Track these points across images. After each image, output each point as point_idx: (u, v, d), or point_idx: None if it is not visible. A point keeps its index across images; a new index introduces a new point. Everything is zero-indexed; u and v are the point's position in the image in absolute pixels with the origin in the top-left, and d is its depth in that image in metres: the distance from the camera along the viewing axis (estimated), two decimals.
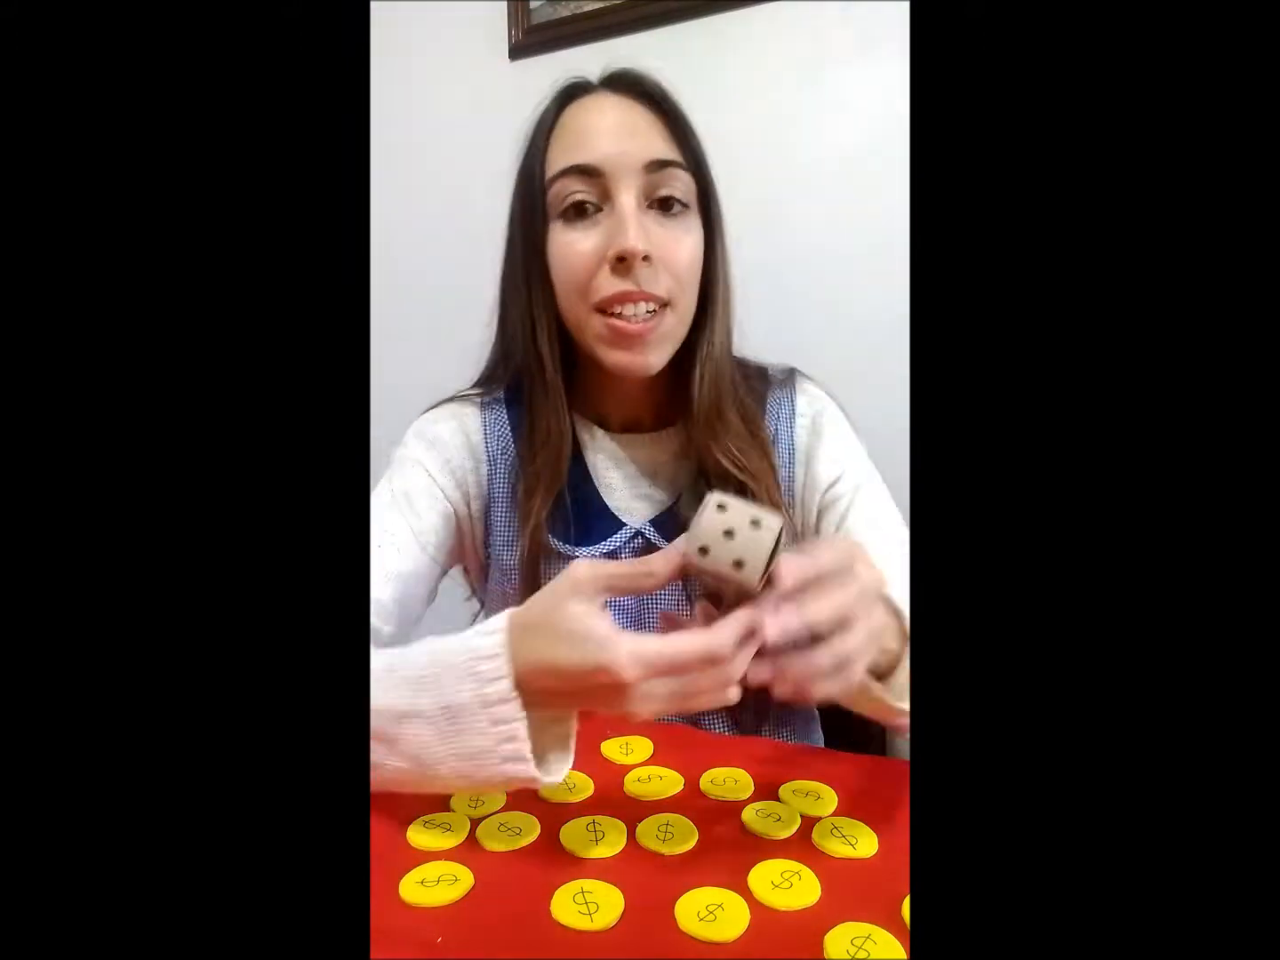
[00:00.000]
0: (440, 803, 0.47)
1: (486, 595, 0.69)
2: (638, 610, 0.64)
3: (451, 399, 0.69)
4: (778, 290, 1.11)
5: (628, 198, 0.57)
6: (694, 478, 0.63)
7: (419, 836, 0.43)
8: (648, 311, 0.58)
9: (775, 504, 0.60)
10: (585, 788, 0.49)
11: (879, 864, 0.41)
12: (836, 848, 0.42)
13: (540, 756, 0.40)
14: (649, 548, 0.62)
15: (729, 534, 0.36)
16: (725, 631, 0.36)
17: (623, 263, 0.56)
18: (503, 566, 0.65)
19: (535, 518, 0.60)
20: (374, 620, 0.56)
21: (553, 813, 0.45)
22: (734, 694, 0.38)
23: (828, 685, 0.37)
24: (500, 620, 0.40)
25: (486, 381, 0.69)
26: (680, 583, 0.62)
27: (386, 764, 0.42)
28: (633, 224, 0.56)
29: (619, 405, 0.66)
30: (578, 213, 0.59)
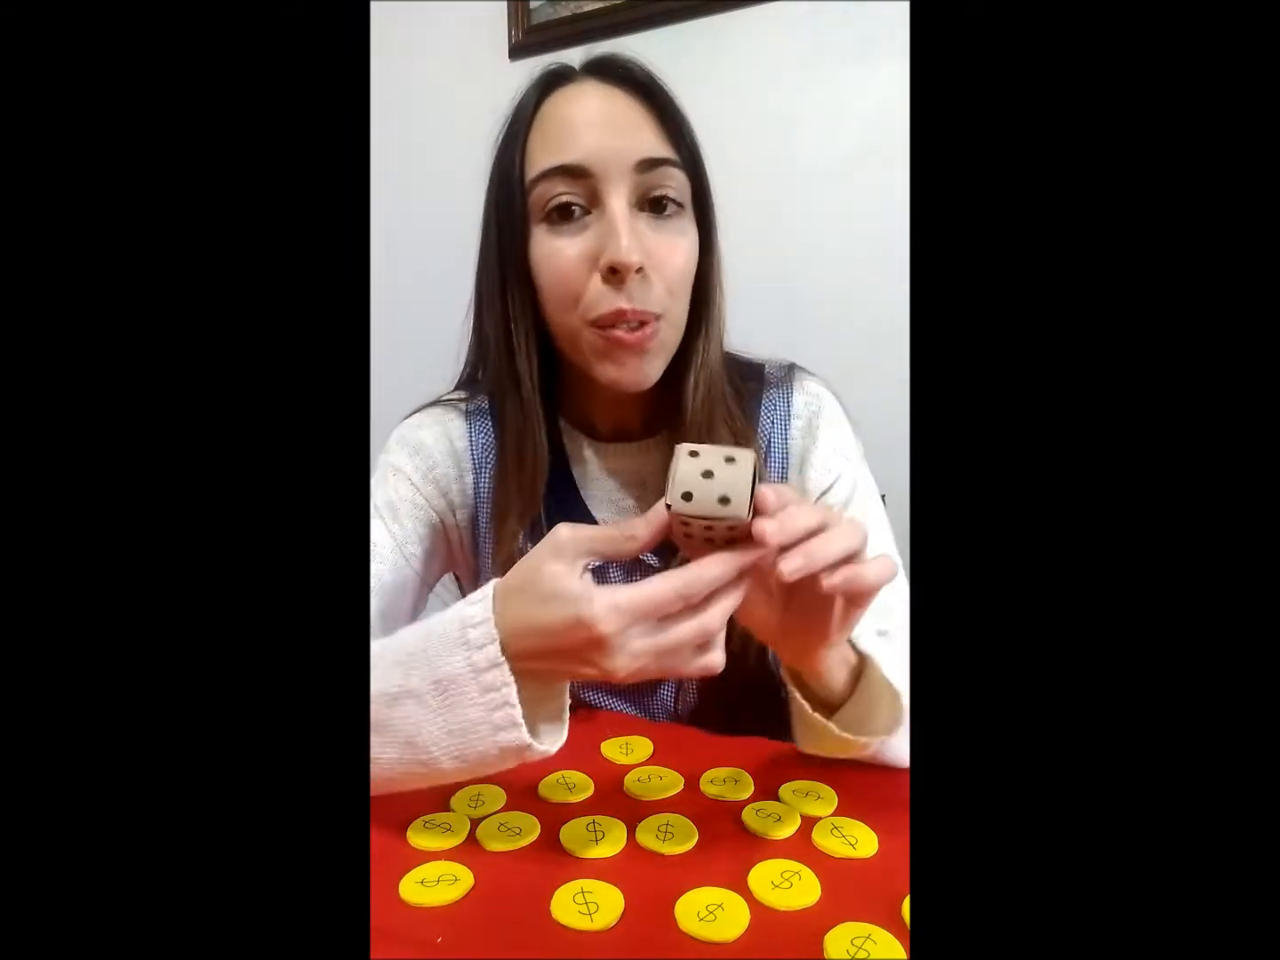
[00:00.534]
0: (440, 803, 0.47)
1: None
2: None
3: (435, 403, 0.66)
4: (777, 290, 1.11)
5: (618, 200, 0.53)
6: None
7: (419, 836, 0.43)
8: (641, 324, 0.55)
9: None
10: (585, 788, 0.48)
11: (879, 864, 0.41)
12: (836, 848, 0.42)
13: (533, 728, 0.40)
14: (639, 562, 0.59)
15: (708, 474, 0.36)
16: (697, 570, 0.37)
17: (615, 274, 0.53)
18: (492, 573, 0.64)
19: (508, 546, 0.57)
20: None
21: (553, 813, 0.45)
22: (718, 658, 0.38)
23: (841, 578, 0.37)
24: (486, 588, 0.40)
25: (468, 384, 0.66)
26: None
27: (381, 757, 0.41)
28: (625, 231, 0.52)
29: (608, 414, 0.63)
30: (563, 216, 0.54)
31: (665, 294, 0.55)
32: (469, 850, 0.42)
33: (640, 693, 0.63)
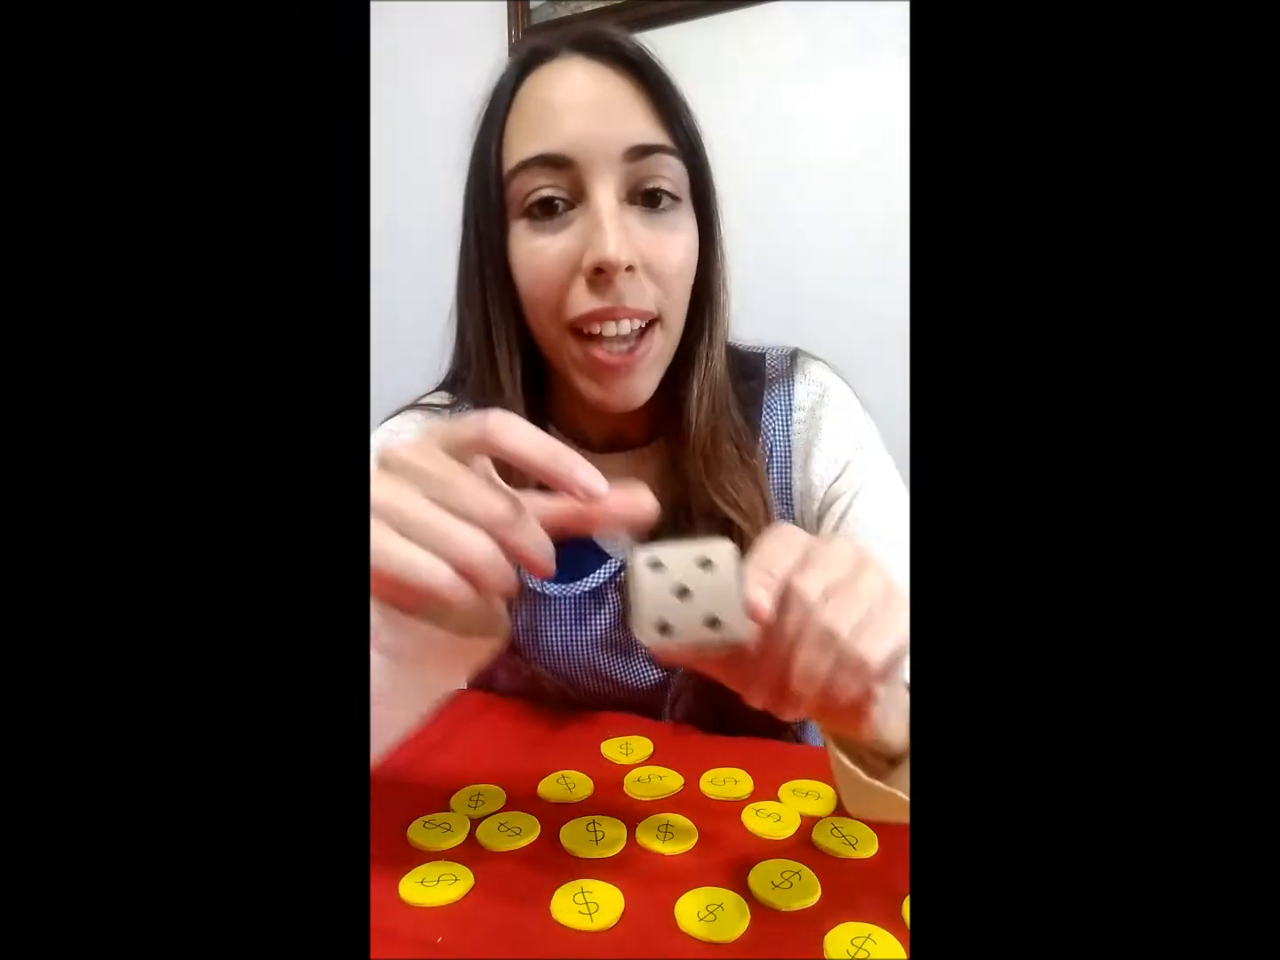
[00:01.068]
0: (440, 803, 0.47)
1: None
2: (574, 623, 0.59)
3: (415, 406, 0.62)
4: (777, 290, 1.11)
5: (605, 193, 0.47)
6: (677, 500, 0.55)
7: (419, 836, 0.43)
8: (631, 331, 0.49)
9: None
10: (585, 788, 0.48)
11: (879, 864, 0.41)
12: (836, 848, 0.42)
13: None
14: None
15: (682, 593, 0.28)
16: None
17: (601, 274, 0.47)
18: None
19: None
20: None
21: (553, 813, 0.45)
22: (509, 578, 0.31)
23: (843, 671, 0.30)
24: None
25: (450, 387, 0.62)
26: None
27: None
28: (612, 227, 0.47)
29: (600, 422, 0.58)
30: (544, 211, 0.49)
31: (661, 293, 0.50)
32: (469, 850, 0.42)
33: (637, 701, 0.61)
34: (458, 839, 0.43)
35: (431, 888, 0.39)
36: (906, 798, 0.36)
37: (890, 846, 0.42)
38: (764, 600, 0.29)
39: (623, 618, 0.59)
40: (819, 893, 0.38)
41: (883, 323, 1.03)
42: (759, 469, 0.56)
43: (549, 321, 0.51)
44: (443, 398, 0.62)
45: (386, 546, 0.30)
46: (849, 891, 0.39)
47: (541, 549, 0.31)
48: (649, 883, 0.39)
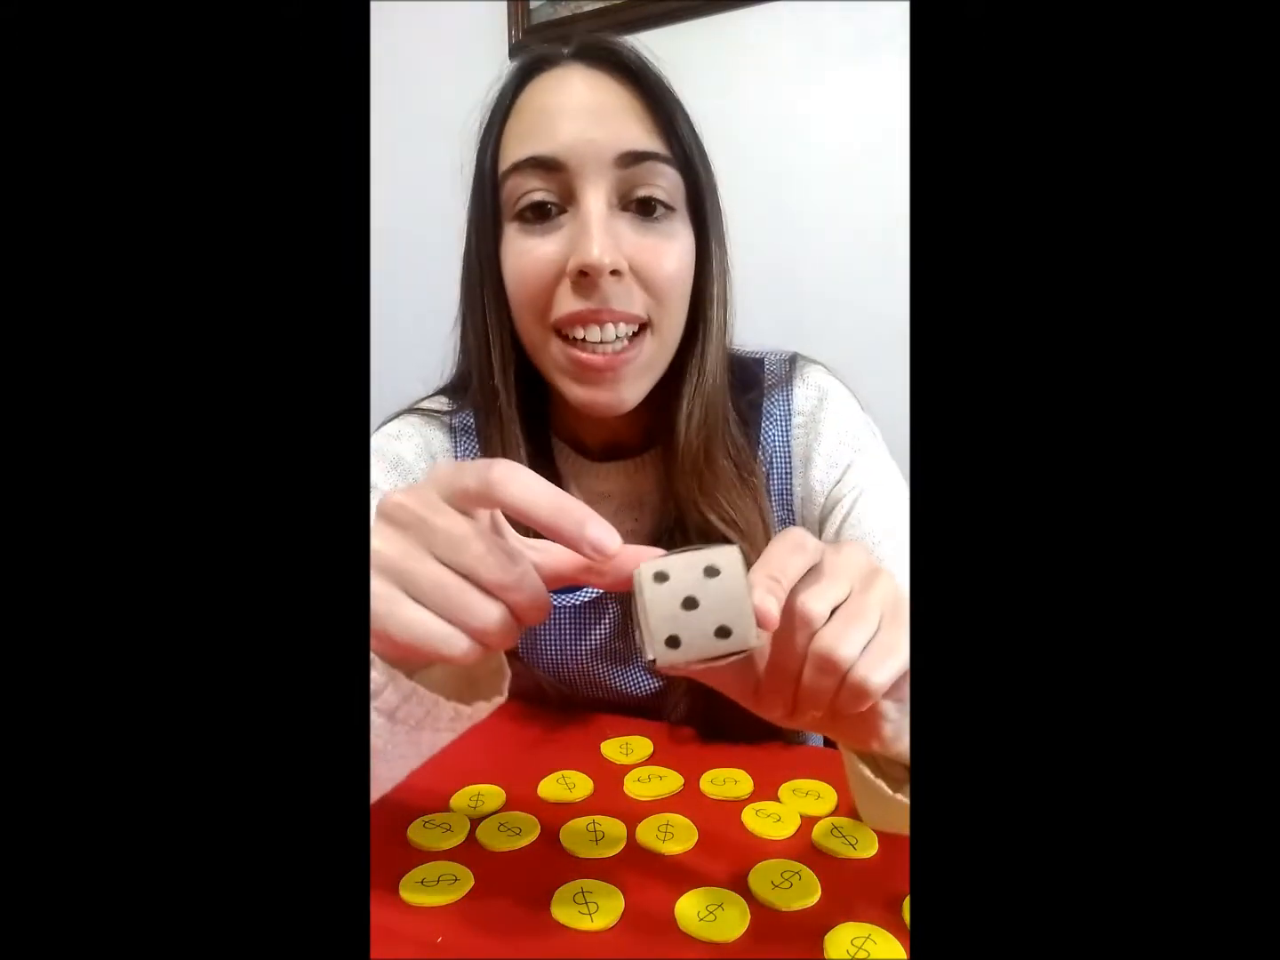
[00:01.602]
0: (440, 803, 0.47)
1: None
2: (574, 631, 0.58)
3: (414, 410, 0.61)
4: (777, 290, 1.11)
5: (594, 197, 0.47)
6: (675, 509, 0.54)
7: (419, 836, 0.43)
8: (619, 337, 0.49)
9: None
10: (585, 788, 0.48)
11: (879, 864, 0.41)
12: (836, 848, 0.42)
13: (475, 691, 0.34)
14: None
15: (690, 604, 0.27)
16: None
17: (585, 277, 0.47)
18: None
19: None
20: None
21: (553, 813, 0.45)
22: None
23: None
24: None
25: (452, 392, 0.61)
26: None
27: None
28: (598, 230, 0.47)
29: (596, 431, 0.58)
30: (535, 214, 0.49)
31: (652, 300, 0.50)
32: (469, 850, 0.42)
33: (637, 705, 0.61)
34: (458, 839, 0.43)
35: (431, 888, 0.39)
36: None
37: (890, 847, 0.42)
38: (773, 609, 0.28)
39: (622, 627, 0.59)
40: (819, 893, 0.38)
41: (883, 323, 1.03)
42: (758, 488, 0.55)
43: (534, 323, 0.50)
44: (442, 403, 0.62)
45: (398, 612, 0.29)
46: (849, 892, 0.39)
47: (542, 610, 0.30)
48: (649, 883, 0.39)
